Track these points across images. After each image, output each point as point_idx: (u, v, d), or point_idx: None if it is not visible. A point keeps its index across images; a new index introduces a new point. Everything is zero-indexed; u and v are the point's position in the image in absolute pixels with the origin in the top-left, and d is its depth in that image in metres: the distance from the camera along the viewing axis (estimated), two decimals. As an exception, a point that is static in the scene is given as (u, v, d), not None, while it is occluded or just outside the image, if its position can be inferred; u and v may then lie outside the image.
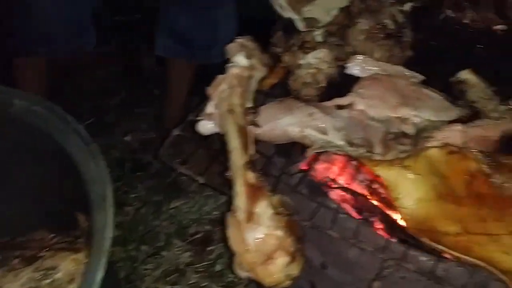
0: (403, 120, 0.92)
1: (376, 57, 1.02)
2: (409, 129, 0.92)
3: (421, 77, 1.01)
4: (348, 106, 0.93)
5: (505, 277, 0.74)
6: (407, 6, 1.08)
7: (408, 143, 0.89)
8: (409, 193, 0.83)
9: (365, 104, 0.93)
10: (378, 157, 0.88)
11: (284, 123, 0.89)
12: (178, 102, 1.59)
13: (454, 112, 0.96)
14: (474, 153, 0.85)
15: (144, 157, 1.57)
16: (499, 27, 1.11)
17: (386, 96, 0.94)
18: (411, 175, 0.83)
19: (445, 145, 0.86)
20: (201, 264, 1.32)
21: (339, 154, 0.91)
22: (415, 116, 0.93)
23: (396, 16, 1.05)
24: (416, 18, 1.14)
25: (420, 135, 0.90)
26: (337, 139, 0.88)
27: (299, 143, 0.90)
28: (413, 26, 1.09)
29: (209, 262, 1.32)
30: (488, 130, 0.90)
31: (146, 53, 1.81)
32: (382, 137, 0.90)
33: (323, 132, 0.88)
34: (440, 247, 0.76)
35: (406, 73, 1.01)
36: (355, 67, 1.01)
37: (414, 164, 0.84)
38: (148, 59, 1.83)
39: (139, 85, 1.80)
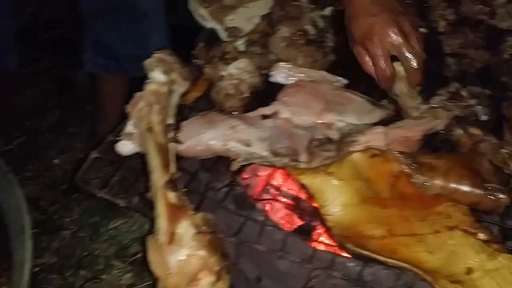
0: (328, 125, 0.93)
1: (299, 64, 1.02)
2: (334, 134, 0.92)
3: (344, 81, 1.01)
4: (273, 115, 0.92)
5: (429, 277, 0.74)
6: (327, 11, 1.08)
7: (332, 149, 0.89)
8: (334, 200, 0.82)
9: (290, 112, 0.92)
10: (303, 165, 0.88)
11: (207, 137, 0.88)
12: (111, 118, 1.54)
13: (377, 114, 0.97)
14: (395, 154, 0.85)
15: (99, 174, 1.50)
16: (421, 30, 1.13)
17: (309, 102, 0.94)
18: (335, 181, 0.83)
19: (367, 149, 0.86)
20: (143, 285, 1.28)
21: (265, 165, 0.90)
22: (339, 121, 0.94)
23: (316, 22, 1.05)
24: (338, 22, 1.14)
25: (344, 140, 0.91)
26: (261, 150, 0.87)
27: (224, 156, 0.89)
28: (335, 29, 1.10)
29: (151, 282, 1.28)
30: (410, 131, 0.91)
31: (78, 69, 1.75)
32: (307, 145, 0.89)
33: (247, 144, 0.87)
34: (365, 252, 0.76)
35: (330, 78, 1.01)
36: (279, 75, 1.01)
37: (338, 170, 0.84)
38: (80, 76, 1.77)
39: (73, 103, 1.74)
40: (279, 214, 0.92)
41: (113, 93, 1.55)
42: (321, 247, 0.84)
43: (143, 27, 1.44)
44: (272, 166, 0.89)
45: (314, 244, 0.82)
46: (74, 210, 1.44)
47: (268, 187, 0.91)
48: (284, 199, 0.99)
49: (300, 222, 1.02)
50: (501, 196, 0.81)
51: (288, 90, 0.95)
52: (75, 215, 1.43)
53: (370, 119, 0.95)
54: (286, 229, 0.84)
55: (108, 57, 1.46)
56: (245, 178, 0.93)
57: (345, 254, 0.82)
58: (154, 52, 0.95)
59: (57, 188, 1.50)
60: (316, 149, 0.89)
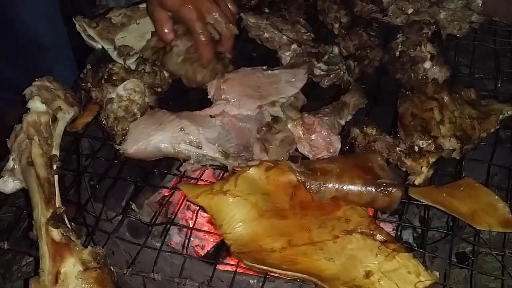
0: (272, 104, 0.93)
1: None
2: (278, 111, 0.93)
3: (265, 67, 1.02)
4: (220, 114, 0.91)
5: (327, 285, 0.73)
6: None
7: (283, 126, 0.91)
8: (232, 217, 0.80)
9: (235, 106, 0.92)
10: (262, 157, 0.87)
11: (157, 139, 0.86)
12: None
13: (301, 73, 1.00)
14: (289, 164, 0.84)
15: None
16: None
17: (248, 91, 0.95)
18: (231, 199, 0.81)
19: (261, 163, 0.85)
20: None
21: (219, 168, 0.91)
22: (281, 98, 0.95)
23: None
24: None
25: None
26: (212, 152, 0.86)
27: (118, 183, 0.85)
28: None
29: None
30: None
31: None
32: (257, 135, 0.89)
33: (198, 146, 0.86)
34: (263, 267, 0.74)
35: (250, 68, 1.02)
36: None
37: (233, 188, 0.82)
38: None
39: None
40: (177, 237, 0.90)
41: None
42: (224, 267, 0.82)
43: (46, 59, 1.39)
44: (224, 167, 0.89)
45: (215, 265, 0.79)
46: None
47: (164, 211, 0.87)
48: (181, 222, 0.97)
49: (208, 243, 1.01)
50: (393, 190, 0.82)
51: (223, 87, 0.95)
52: (-17, 254, 1.34)
53: (301, 80, 0.99)
54: (185, 252, 0.81)
55: (10, 92, 1.38)
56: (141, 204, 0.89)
57: (247, 272, 0.80)
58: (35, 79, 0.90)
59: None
60: (268, 134, 0.89)
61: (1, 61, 1.39)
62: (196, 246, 1.05)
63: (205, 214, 0.91)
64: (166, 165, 0.97)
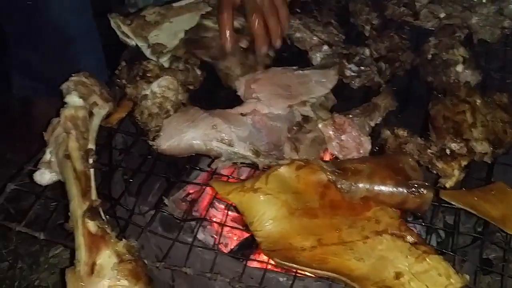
0: (302, 103, 0.94)
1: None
2: (309, 111, 0.94)
3: (295, 67, 1.03)
4: (251, 113, 0.92)
5: (357, 285, 0.74)
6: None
7: (313, 126, 0.91)
8: (262, 215, 0.81)
9: (265, 105, 0.93)
10: (293, 156, 0.88)
11: (189, 136, 0.88)
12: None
13: (332, 74, 1.01)
14: (320, 163, 0.85)
15: (18, 206, 1.44)
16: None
17: (278, 90, 0.96)
18: (262, 197, 0.82)
19: (292, 161, 0.85)
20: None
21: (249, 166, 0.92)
22: (311, 98, 0.96)
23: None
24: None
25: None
26: (243, 150, 0.87)
27: (150, 179, 0.87)
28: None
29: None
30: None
31: (7, 94, 1.67)
32: (288, 134, 0.90)
33: (230, 144, 0.87)
34: (292, 265, 0.75)
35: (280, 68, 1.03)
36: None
37: (264, 185, 0.83)
38: (13, 100, 1.70)
39: (7, 128, 1.67)
40: (201, 234, 0.90)
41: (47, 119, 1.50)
42: (253, 264, 0.82)
43: (73, 50, 1.41)
44: (255, 165, 0.90)
45: (245, 261, 0.80)
46: (13, 240, 1.37)
47: (196, 207, 0.88)
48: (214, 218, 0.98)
49: (231, 241, 1.02)
50: (425, 191, 0.82)
51: (253, 87, 0.96)
52: (13, 245, 1.36)
53: (331, 81, 0.99)
54: (215, 248, 0.82)
55: (38, 81, 1.41)
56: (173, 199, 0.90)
57: (276, 269, 0.81)
58: (72, 75, 0.92)
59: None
60: (299, 134, 0.90)
61: (27, 50, 1.41)
62: (220, 244, 1.05)
63: (230, 213, 0.93)
64: (194, 162, 0.98)
